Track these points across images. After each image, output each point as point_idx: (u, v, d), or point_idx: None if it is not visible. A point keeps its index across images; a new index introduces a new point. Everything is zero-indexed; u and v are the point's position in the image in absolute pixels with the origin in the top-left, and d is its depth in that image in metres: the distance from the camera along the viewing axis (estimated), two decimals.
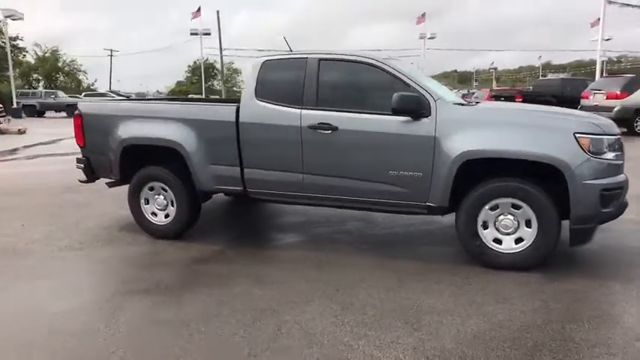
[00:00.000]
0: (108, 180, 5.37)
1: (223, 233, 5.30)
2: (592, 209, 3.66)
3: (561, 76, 32.36)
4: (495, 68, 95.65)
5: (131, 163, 4.99)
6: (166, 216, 4.94)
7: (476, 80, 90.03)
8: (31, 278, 3.97)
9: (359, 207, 4.44)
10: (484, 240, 3.93)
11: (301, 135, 4.28)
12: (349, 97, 4.37)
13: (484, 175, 3.91)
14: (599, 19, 42.33)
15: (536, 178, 3.80)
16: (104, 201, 6.53)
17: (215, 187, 4.76)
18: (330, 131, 4.19)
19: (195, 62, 60.30)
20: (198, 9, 36.16)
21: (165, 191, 4.89)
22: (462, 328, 3.00)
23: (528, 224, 3.81)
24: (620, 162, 3.81)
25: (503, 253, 3.89)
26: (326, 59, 4.36)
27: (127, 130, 4.89)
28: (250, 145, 4.49)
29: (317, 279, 3.82)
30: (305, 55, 4.44)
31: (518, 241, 3.87)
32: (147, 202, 5.00)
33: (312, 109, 4.27)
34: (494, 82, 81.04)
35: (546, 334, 2.92)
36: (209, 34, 37.70)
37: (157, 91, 71.65)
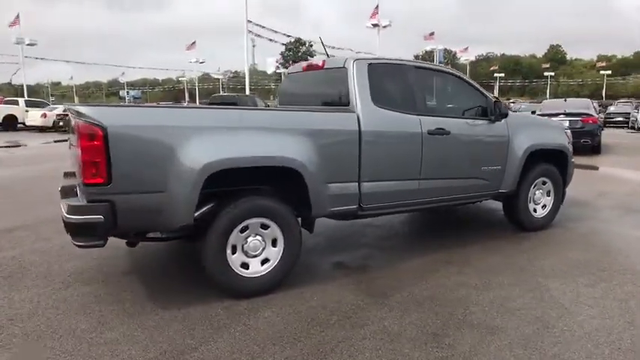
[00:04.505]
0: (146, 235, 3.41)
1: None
2: (572, 177, 5.63)
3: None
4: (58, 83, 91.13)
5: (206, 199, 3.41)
6: (263, 262, 3.66)
7: (52, 95, 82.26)
8: None
9: (455, 203, 4.82)
10: (530, 211, 5.24)
11: (422, 141, 4.28)
12: (444, 104, 4.65)
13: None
14: (193, 43, 48.02)
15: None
16: None
17: (329, 210, 3.93)
18: (444, 135, 4.41)
19: None
20: None
21: (265, 228, 3.62)
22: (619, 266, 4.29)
23: (548, 194, 5.39)
24: None
25: (539, 218, 5.32)
26: (422, 67, 4.50)
27: (213, 149, 3.32)
28: (373, 156, 4.03)
29: (498, 271, 4.13)
30: (403, 62, 4.40)
31: (543, 207, 5.39)
32: (233, 250, 3.52)
33: (426, 116, 4.33)
34: (75, 98, 76.96)
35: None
36: None
37: None
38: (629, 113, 25.25)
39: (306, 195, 3.70)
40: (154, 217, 3.24)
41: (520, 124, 5.05)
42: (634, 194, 7.41)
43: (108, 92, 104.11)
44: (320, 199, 3.78)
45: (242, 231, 3.53)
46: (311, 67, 4.69)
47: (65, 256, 4.52)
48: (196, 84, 61.35)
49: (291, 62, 79.93)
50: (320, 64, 4.51)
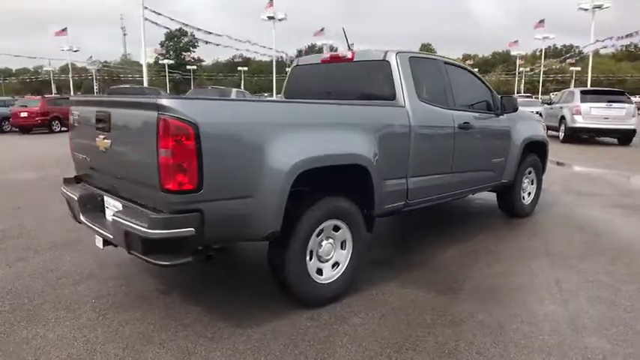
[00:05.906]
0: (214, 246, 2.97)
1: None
2: (546, 166, 6.17)
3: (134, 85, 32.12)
4: None
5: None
6: (334, 265, 3.46)
7: None
8: None
9: (465, 195, 5.04)
10: (521, 198, 5.64)
11: (454, 135, 4.36)
12: (465, 98, 4.73)
13: None
14: (64, 29, 43.22)
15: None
16: None
17: (385, 208, 3.83)
18: (469, 130, 4.53)
19: None
20: None
21: (337, 230, 3.42)
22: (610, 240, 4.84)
23: (532, 183, 5.85)
24: None
25: (527, 205, 5.76)
26: (449, 63, 4.57)
27: (300, 147, 3.04)
28: (419, 151, 4.01)
29: (527, 257, 4.40)
30: (436, 57, 4.44)
31: (529, 195, 5.83)
32: (310, 256, 3.27)
33: (456, 110, 4.42)
34: None
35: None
36: None
37: None
38: None
39: (370, 193, 3.56)
40: (241, 225, 2.86)
41: (515, 117, 5.39)
42: (570, 179, 8.44)
43: None
44: (381, 197, 3.67)
45: (318, 234, 3.29)
46: (336, 59, 4.50)
47: (66, 278, 3.80)
48: (70, 75, 55.11)
49: (171, 52, 76.04)
50: (349, 56, 4.35)
